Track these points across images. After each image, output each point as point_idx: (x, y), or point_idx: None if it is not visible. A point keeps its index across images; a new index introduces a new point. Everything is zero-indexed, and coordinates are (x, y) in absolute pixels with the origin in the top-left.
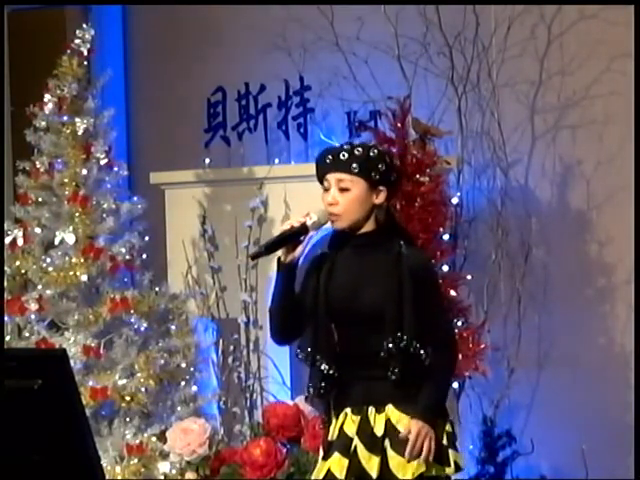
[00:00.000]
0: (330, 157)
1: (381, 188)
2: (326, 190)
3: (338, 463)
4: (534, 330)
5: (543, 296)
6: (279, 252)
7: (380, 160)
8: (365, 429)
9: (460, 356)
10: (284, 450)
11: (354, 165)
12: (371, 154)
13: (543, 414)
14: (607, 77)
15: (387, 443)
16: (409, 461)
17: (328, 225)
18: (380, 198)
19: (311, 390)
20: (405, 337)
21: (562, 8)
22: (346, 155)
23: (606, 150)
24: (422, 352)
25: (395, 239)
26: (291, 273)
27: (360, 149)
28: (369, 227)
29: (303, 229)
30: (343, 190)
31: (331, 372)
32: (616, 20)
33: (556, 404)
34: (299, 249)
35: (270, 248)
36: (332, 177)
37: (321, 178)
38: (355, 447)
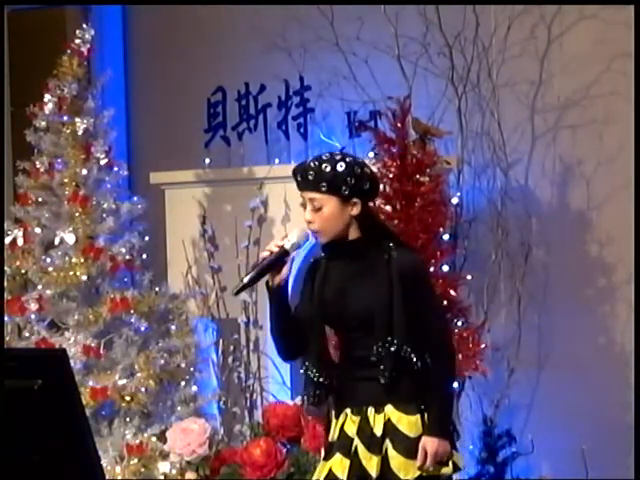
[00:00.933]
0: (299, 176)
1: (355, 200)
2: (303, 206)
3: (340, 464)
4: (534, 330)
5: (543, 296)
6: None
7: (349, 174)
8: (365, 429)
9: (460, 356)
10: (284, 450)
11: (322, 184)
12: (339, 169)
13: (543, 414)
14: (607, 77)
15: (388, 443)
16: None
17: (309, 242)
18: (355, 210)
19: (305, 398)
20: (395, 341)
21: (562, 8)
22: (313, 174)
23: (606, 150)
24: (413, 356)
25: (384, 242)
26: (282, 294)
27: (327, 165)
28: (354, 235)
29: (283, 253)
30: (316, 208)
31: (321, 380)
32: (616, 20)
33: (556, 404)
34: (284, 271)
35: (253, 280)
36: (305, 195)
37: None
38: (356, 447)
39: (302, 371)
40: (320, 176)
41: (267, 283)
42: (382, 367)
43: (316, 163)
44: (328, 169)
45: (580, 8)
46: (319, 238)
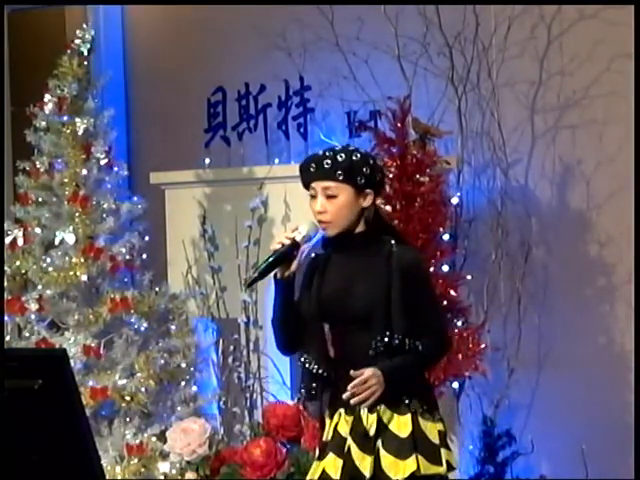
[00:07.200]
0: (314, 165)
1: (368, 191)
2: (313, 197)
3: (333, 463)
4: (534, 330)
5: (543, 296)
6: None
7: (364, 163)
8: (358, 429)
9: (460, 356)
10: (284, 450)
11: (339, 172)
12: (354, 158)
13: (543, 414)
14: (607, 77)
15: (379, 443)
16: (346, 400)
17: (319, 234)
18: (367, 201)
19: (303, 392)
20: (396, 335)
21: (562, 8)
22: (329, 162)
23: (606, 150)
24: (417, 343)
25: (386, 238)
26: (289, 287)
27: (343, 155)
28: (359, 229)
29: (294, 245)
30: (330, 197)
31: (320, 372)
32: (616, 20)
33: (556, 404)
34: (294, 264)
35: (264, 272)
36: (318, 185)
37: (306, 186)
38: (349, 447)
39: (299, 363)
40: (336, 164)
41: (275, 275)
42: (379, 362)
43: (330, 153)
44: (344, 158)
45: (580, 8)
46: (328, 230)
